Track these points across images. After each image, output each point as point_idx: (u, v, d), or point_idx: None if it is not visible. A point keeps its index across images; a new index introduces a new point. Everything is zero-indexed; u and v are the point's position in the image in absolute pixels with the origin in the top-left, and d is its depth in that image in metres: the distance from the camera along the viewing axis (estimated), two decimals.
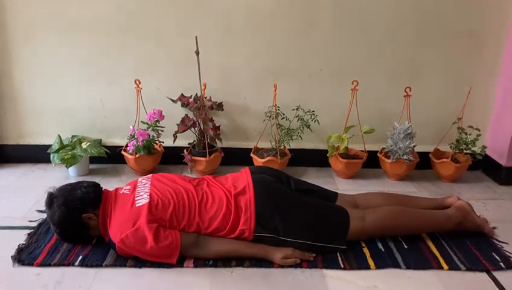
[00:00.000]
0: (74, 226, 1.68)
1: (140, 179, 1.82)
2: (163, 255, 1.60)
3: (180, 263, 1.63)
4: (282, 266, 1.64)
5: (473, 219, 1.86)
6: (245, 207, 1.68)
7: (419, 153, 2.49)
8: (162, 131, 2.40)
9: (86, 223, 1.69)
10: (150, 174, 1.85)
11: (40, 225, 1.89)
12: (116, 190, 1.77)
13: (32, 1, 2.34)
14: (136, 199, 1.67)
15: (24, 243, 1.74)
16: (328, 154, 2.48)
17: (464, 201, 1.91)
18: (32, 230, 1.84)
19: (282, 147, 2.46)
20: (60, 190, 1.71)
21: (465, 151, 2.43)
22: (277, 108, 2.41)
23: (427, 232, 1.87)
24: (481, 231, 1.87)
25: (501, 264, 1.70)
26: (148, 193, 1.68)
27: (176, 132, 2.42)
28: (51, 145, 2.47)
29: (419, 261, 1.70)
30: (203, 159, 2.37)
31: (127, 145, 2.40)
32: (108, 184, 2.03)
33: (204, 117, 2.39)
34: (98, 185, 1.78)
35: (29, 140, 2.58)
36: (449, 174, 2.44)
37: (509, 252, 1.78)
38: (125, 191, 1.73)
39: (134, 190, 1.72)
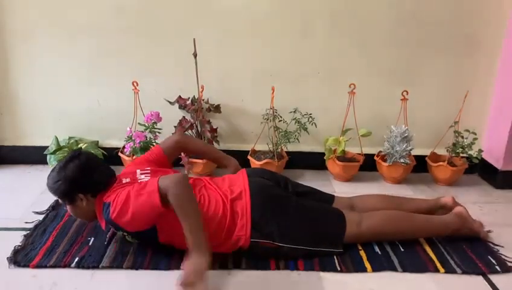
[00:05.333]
0: (67, 192, 1.67)
1: (139, 173, 1.75)
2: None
3: (177, 265, 1.63)
4: (278, 268, 1.65)
5: (470, 225, 1.86)
6: (241, 213, 1.67)
7: (416, 157, 2.49)
8: (160, 133, 2.39)
9: (74, 199, 1.68)
10: (148, 168, 1.79)
11: (36, 226, 1.88)
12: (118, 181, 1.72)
13: (30, 1, 2.34)
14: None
15: (20, 244, 1.74)
16: (325, 157, 2.48)
17: (462, 207, 1.90)
18: (28, 231, 1.83)
19: (279, 150, 2.46)
20: (86, 157, 1.70)
21: (461, 154, 2.44)
22: (274, 110, 2.41)
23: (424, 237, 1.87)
24: (477, 235, 1.88)
25: (497, 267, 1.71)
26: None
27: (173, 134, 2.42)
28: (48, 146, 2.47)
29: (416, 264, 1.71)
30: (200, 161, 2.37)
31: (124, 147, 2.40)
32: None
33: (202, 119, 2.39)
34: (113, 177, 1.72)
35: (26, 141, 2.58)
36: (445, 177, 2.45)
37: (505, 256, 1.78)
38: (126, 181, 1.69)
39: (135, 182, 1.68)
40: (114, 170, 1.77)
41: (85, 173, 1.67)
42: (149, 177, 1.71)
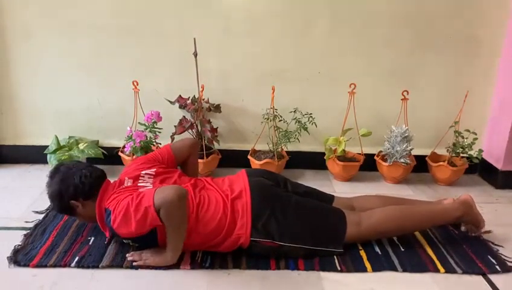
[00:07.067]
0: (62, 205, 1.72)
1: (143, 173, 1.78)
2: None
3: (176, 265, 1.63)
4: (278, 268, 1.65)
5: (474, 215, 1.86)
6: (241, 211, 1.67)
7: (416, 157, 2.49)
8: (160, 132, 2.39)
9: (72, 208, 1.71)
10: (154, 170, 1.81)
11: (36, 225, 1.88)
12: (120, 182, 1.74)
13: (30, 1, 2.34)
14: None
15: (20, 244, 1.74)
16: (325, 157, 2.48)
17: (467, 195, 1.89)
18: (28, 231, 1.84)
19: (279, 150, 2.46)
20: (65, 167, 1.73)
21: (461, 154, 2.44)
22: (275, 110, 2.41)
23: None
24: (477, 226, 1.87)
25: (497, 267, 1.71)
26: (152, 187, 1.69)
27: (174, 134, 2.42)
28: (48, 146, 2.47)
29: (416, 264, 1.71)
30: (200, 160, 2.36)
31: (124, 147, 2.40)
32: None
33: (202, 119, 2.39)
34: (101, 177, 1.75)
35: (26, 141, 2.58)
36: (446, 177, 2.45)
37: (505, 256, 1.79)
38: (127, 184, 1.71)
39: (137, 187, 1.70)
40: (103, 170, 1.79)
41: (67, 178, 1.69)
42: (151, 181, 1.73)
